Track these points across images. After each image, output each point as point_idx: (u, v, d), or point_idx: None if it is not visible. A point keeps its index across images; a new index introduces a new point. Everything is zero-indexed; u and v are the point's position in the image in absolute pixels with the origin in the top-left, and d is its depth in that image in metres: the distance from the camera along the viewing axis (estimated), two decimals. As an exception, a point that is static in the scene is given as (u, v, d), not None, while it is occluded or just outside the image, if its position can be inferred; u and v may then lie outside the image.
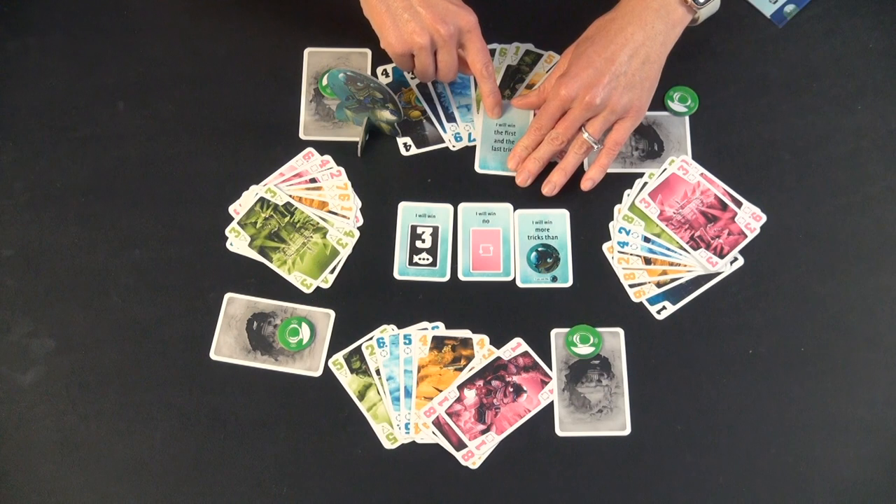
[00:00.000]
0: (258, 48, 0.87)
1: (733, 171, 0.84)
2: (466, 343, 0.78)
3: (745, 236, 0.82)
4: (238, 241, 0.81)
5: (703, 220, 0.82)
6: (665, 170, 0.84)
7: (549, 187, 0.82)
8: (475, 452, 0.75)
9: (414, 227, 0.82)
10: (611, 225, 0.83)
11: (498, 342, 0.79)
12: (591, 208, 0.83)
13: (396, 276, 0.81)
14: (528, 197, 0.83)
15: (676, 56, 0.87)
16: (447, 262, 0.81)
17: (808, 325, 0.79)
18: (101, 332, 0.78)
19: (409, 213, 0.83)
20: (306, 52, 0.88)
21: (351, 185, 0.83)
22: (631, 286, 0.80)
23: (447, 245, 0.82)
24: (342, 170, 0.84)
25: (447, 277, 0.81)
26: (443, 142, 0.86)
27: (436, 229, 0.82)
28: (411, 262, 0.81)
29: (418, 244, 0.82)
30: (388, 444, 0.75)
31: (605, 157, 0.81)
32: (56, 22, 0.89)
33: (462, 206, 0.83)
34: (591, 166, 0.82)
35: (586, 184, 0.82)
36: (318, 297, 0.80)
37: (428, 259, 0.81)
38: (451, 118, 0.86)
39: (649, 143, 0.85)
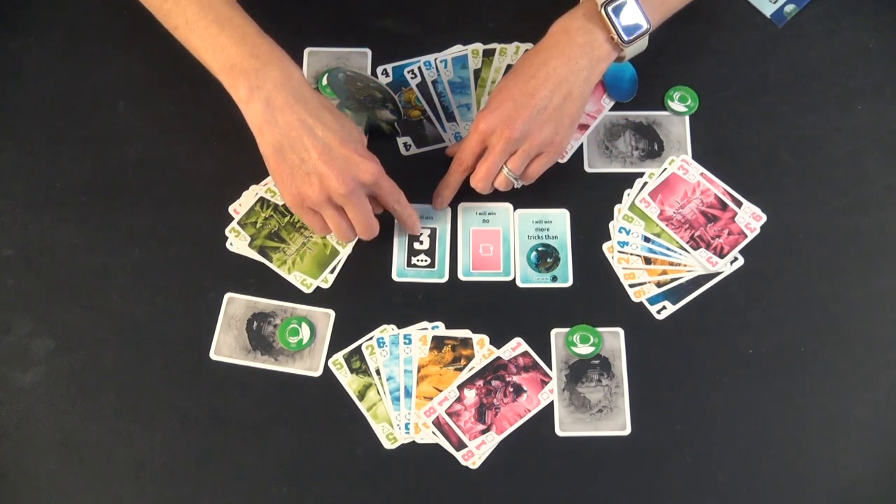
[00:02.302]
0: (258, 48, 0.87)
1: (733, 171, 0.84)
2: (466, 343, 0.78)
3: (745, 236, 0.82)
4: (238, 241, 0.81)
5: (703, 220, 0.82)
6: (665, 169, 0.84)
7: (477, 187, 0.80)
8: (475, 452, 0.75)
9: (413, 228, 0.82)
10: (611, 225, 0.83)
11: (498, 342, 0.79)
12: (591, 208, 0.83)
13: (395, 277, 0.81)
14: (528, 197, 0.83)
15: (676, 56, 0.88)
16: (445, 263, 0.81)
17: (808, 325, 0.79)
18: (101, 332, 0.78)
19: (408, 213, 0.83)
20: (306, 52, 0.88)
21: (351, 185, 0.83)
22: (631, 286, 0.80)
23: (445, 246, 0.82)
24: (342, 170, 0.84)
25: (445, 279, 0.81)
26: (443, 141, 0.86)
27: (434, 230, 0.82)
28: (409, 264, 0.81)
29: (416, 245, 0.82)
30: (388, 444, 0.75)
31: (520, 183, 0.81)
32: (56, 22, 0.89)
33: (462, 205, 0.83)
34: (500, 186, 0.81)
35: (479, 185, 0.80)
36: (318, 297, 0.80)
37: (426, 260, 0.81)
38: (451, 118, 0.86)
39: (649, 142, 0.85)
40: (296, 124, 0.71)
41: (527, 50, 0.87)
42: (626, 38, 0.75)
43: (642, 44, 0.78)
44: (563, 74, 0.75)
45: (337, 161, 0.71)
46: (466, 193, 0.83)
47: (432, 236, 0.82)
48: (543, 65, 0.76)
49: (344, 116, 0.75)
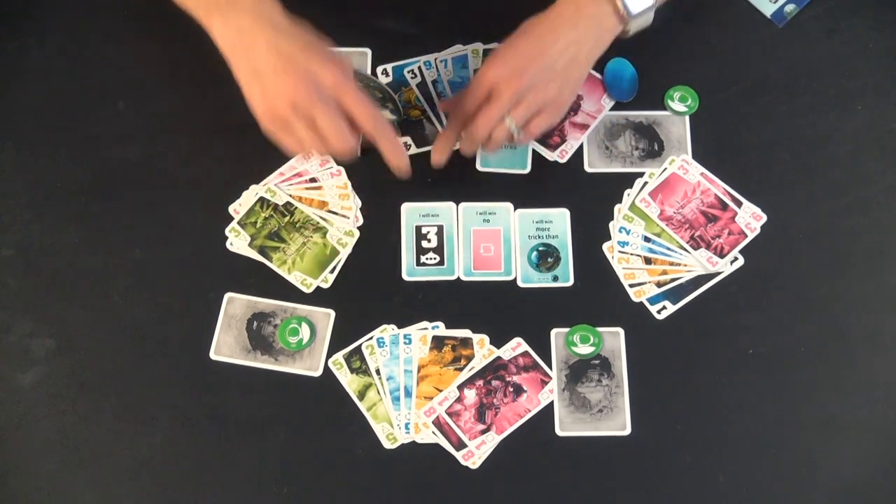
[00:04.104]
0: (258, 48, 0.87)
1: (733, 171, 0.84)
2: (466, 343, 0.78)
3: (745, 236, 0.82)
4: (238, 241, 0.81)
5: (704, 220, 0.82)
6: (665, 169, 0.84)
7: (466, 153, 0.81)
8: (475, 452, 0.75)
9: (419, 228, 0.82)
10: (611, 224, 0.83)
11: (498, 342, 0.79)
12: (592, 208, 0.83)
13: (405, 277, 0.80)
14: (528, 196, 0.83)
15: (676, 56, 0.88)
16: (454, 259, 0.81)
17: (808, 325, 0.79)
18: (101, 332, 0.78)
19: (412, 213, 0.83)
20: (306, 51, 0.88)
21: (351, 185, 0.83)
22: (631, 286, 0.81)
23: (453, 243, 0.82)
24: (342, 169, 0.84)
25: (456, 275, 0.81)
26: (443, 142, 0.86)
27: (440, 228, 0.82)
28: (419, 263, 0.81)
29: (424, 244, 0.82)
30: (388, 444, 0.75)
31: (517, 143, 0.81)
32: (56, 22, 0.89)
33: (463, 205, 0.83)
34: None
35: (487, 147, 0.80)
36: (318, 297, 0.80)
37: (435, 258, 0.81)
38: (451, 118, 0.86)
39: (649, 142, 0.85)
40: (263, 44, 0.71)
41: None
42: (632, 12, 0.76)
43: (647, 18, 0.78)
44: (572, 38, 0.76)
45: (299, 68, 0.70)
46: (467, 194, 0.83)
47: (439, 234, 0.82)
48: (553, 27, 0.77)
49: (312, 33, 0.74)
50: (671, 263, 0.81)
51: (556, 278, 0.81)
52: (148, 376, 0.77)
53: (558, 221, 0.83)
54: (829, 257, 0.81)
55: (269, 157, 0.84)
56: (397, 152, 0.76)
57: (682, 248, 0.81)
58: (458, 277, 0.81)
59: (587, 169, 0.85)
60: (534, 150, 0.85)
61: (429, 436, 0.76)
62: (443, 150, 0.81)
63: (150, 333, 0.78)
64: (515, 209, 0.83)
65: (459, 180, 0.84)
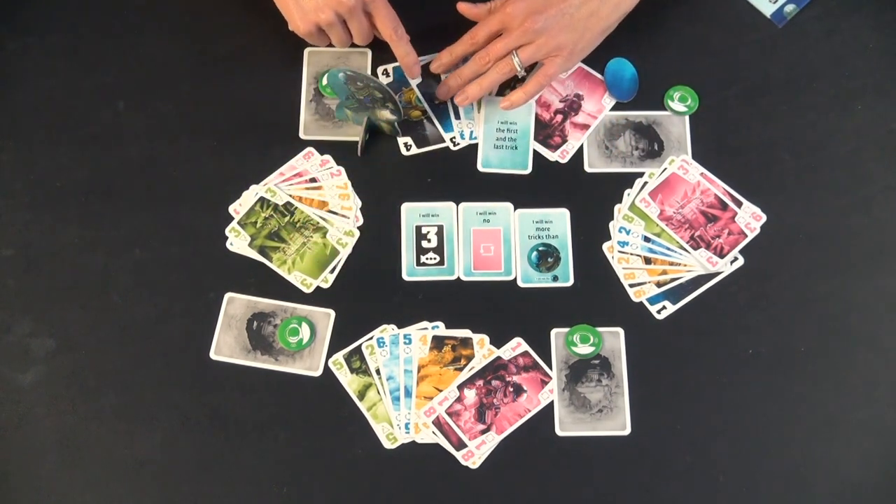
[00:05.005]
0: (258, 48, 0.87)
1: (733, 171, 0.84)
2: (466, 343, 0.79)
3: (745, 236, 0.82)
4: (238, 241, 0.81)
5: (703, 220, 0.82)
6: (665, 169, 0.84)
7: (462, 97, 0.83)
8: (475, 452, 0.75)
9: (419, 228, 0.82)
10: (611, 224, 0.83)
11: (498, 342, 0.79)
12: (591, 208, 0.83)
13: (405, 277, 0.80)
14: (528, 196, 0.83)
15: (676, 56, 0.88)
16: (454, 259, 0.81)
17: (808, 325, 0.79)
18: (101, 332, 0.78)
19: (412, 213, 0.83)
20: (306, 51, 0.88)
21: (351, 185, 0.83)
22: (631, 286, 0.81)
23: (453, 243, 0.82)
24: (342, 169, 0.84)
25: (456, 275, 0.81)
26: (443, 141, 0.86)
27: (441, 228, 0.82)
28: (419, 263, 0.81)
29: (424, 244, 0.82)
30: (388, 444, 0.75)
31: (532, 85, 0.82)
32: (56, 22, 0.89)
33: (463, 205, 0.83)
34: (516, 90, 0.82)
35: (504, 104, 0.82)
36: (318, 297, 0.80)
37: (435, 258, 0.81)
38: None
39: (649, 142, 0.85)
40: None
41: None
42: None
43: None
44: None
45: None
46: (467, 194, 0.83)
47: (439, 234, 0.82)
48: None
49: None
50: (671, 263, 0.81)
51: (556, 278, 0.81)
52: (148, 376, 0.77)
53: (558, 221, 0.83)
54: (829, 257, 0.81)
55: (269, 156, 0.84)
56: (410, 57, 0.82)
57: (682, 248, 0.81)
58: (458, 277, 0.81)
59: (587, 169, 0.85)
60: (534, 151, 0.85)
61: (429, 436, 0.76)
62: (443, 66, 0.84)
63: (150, 333, 0.78)
64: (515, 209, 0.83)
65: (460, 180, 0.84)
